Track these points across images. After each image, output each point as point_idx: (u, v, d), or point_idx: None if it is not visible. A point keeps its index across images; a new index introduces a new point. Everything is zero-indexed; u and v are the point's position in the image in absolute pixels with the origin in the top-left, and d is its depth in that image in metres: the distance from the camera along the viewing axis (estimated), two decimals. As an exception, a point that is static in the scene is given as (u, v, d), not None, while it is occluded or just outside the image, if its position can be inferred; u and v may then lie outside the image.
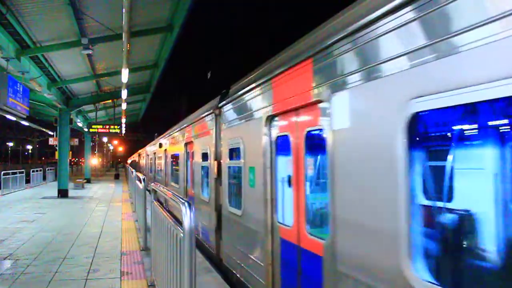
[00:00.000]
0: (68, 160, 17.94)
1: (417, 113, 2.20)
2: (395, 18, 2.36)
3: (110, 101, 19.38)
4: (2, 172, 17.95)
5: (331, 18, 3.39)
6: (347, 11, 3.11)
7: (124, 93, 14.45)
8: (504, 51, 1.74)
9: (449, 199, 2.44)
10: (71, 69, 13.50)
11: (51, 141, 27.44)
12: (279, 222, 4.22)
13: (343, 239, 2.86)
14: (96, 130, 20.42)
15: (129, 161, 58.29)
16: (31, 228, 8.79)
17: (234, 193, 5.88)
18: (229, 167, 6.05)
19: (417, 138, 2.36)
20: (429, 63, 2.11)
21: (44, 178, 25.75)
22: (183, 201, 2.63)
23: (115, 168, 50.75)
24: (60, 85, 14.83)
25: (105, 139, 45.91)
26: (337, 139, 2.97)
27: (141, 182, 8.05)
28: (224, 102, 6.24)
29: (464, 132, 2.46)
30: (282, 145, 4.29)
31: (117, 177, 33.52)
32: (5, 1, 7.87)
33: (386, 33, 2.45)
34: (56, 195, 16.19)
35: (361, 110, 2.69)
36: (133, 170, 10.73)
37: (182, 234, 2.53)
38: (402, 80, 2.29)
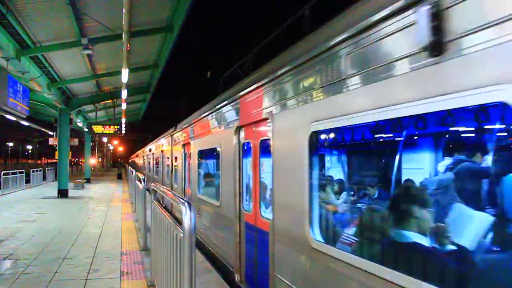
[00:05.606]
0: (68, 160, 17.94)
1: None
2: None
3: (110, 101, 19.35)
4: (2, 172, 17.94)
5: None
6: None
7: (124, 93, 14.45)
8: None
9: None
10: (71, 69, 13.49)
11: (51, 141, 27.42)
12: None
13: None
14: (95, 128, 20.44)
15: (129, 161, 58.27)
16: (31, 228, 8.79)
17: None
18: None
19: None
20: None
21: (44, 178, 25.75)
22: (183, 201, 2.63)
23: (117, 168, 50.55)
24: (60, 85, 14.82)
25: (105, 139, 45.88)
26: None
27: (141, 182, 8.07)
28: None
29: None
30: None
31: (120, 176, 33.37)
32: (5, 1, 7.87)
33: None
34: (56, 195, 16.19)
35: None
36: (133, 170, 10.74)
37: (182, 234, 2.54)
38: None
